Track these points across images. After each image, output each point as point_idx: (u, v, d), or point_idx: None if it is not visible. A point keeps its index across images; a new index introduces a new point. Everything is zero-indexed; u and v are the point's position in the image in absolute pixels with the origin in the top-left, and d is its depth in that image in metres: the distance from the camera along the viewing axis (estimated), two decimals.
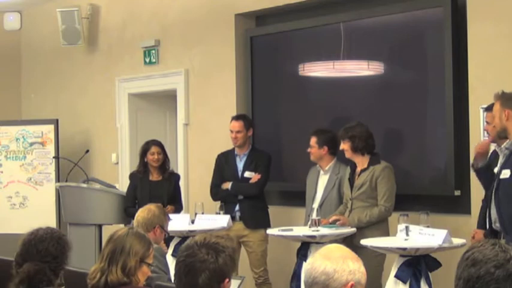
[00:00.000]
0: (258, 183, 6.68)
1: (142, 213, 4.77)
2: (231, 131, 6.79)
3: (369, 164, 5.88)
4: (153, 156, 7.00)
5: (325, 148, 6.27)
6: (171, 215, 5.29)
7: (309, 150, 6.32)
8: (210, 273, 2.84)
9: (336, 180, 6.22)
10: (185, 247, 2.95)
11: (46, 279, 3.44)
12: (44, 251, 3.55)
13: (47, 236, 3.62)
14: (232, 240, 3.14)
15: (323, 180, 6.31)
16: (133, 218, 4.95)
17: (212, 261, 2.85)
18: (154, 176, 7.06)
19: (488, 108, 5.21)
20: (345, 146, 5.96)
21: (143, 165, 7.06)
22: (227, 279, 2.90)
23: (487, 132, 5.22)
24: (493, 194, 4.94)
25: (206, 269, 2.84)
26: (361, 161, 5.92)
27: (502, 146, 4.99)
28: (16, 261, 3.62)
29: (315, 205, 6.20)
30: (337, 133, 6.07)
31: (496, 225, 4.91)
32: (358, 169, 5.93)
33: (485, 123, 5.37)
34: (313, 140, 6.30)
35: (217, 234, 3.11)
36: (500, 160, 5.05)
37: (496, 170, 5.06)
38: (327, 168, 6.29)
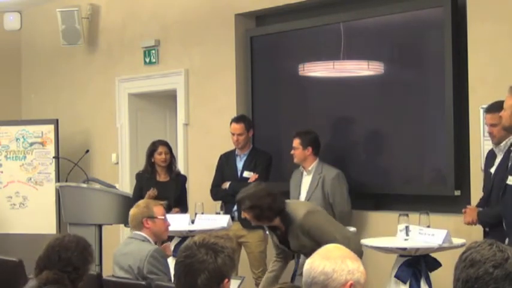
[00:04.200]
0: None
1: (132, 211, 4.82)
2: (233, 134, 6.78)
3: (284, 225, 5.08)
4: (160, 156, 6.97)
5: (310, 149, 6.27)
6: (171, 215, 5.28)
7: (292, 152, 6.32)
8: (209, 273, 2.84)
9: (319, 180, 6.23)
10: (184, 247, 2.95)
11: None
12: (66, 260, 3.41)
13: (72, 244, 3.46)
14: (232, 240, 3.15)
15: (306, 180, 6.32)
16: None
17: (211, 262, 2.85)
18: (162, 177, 7.03)
19: (491, 109, 5.00)
20: (247, 215, 5.09)
21: (150, 166, 7.04)
22: (227, 280, 2.90)
23: (490, 135, 5.03)
24: (500, 198, 4.76)
25: (205, 270, 2.84)
26: (277, 224, 5.11)
27: (502, 144, 4.93)
28: (37, 264, 3.47)
29: None
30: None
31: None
32: (279, 232, 5.18)
33: (487, 126, 5.05)
34: (296, 142, 6.29)
35: (217, 234, 3.10)
36: (498, 160, 4.99)
37: (493, 170, 5.01)
38: (310, 168, 6.29)
